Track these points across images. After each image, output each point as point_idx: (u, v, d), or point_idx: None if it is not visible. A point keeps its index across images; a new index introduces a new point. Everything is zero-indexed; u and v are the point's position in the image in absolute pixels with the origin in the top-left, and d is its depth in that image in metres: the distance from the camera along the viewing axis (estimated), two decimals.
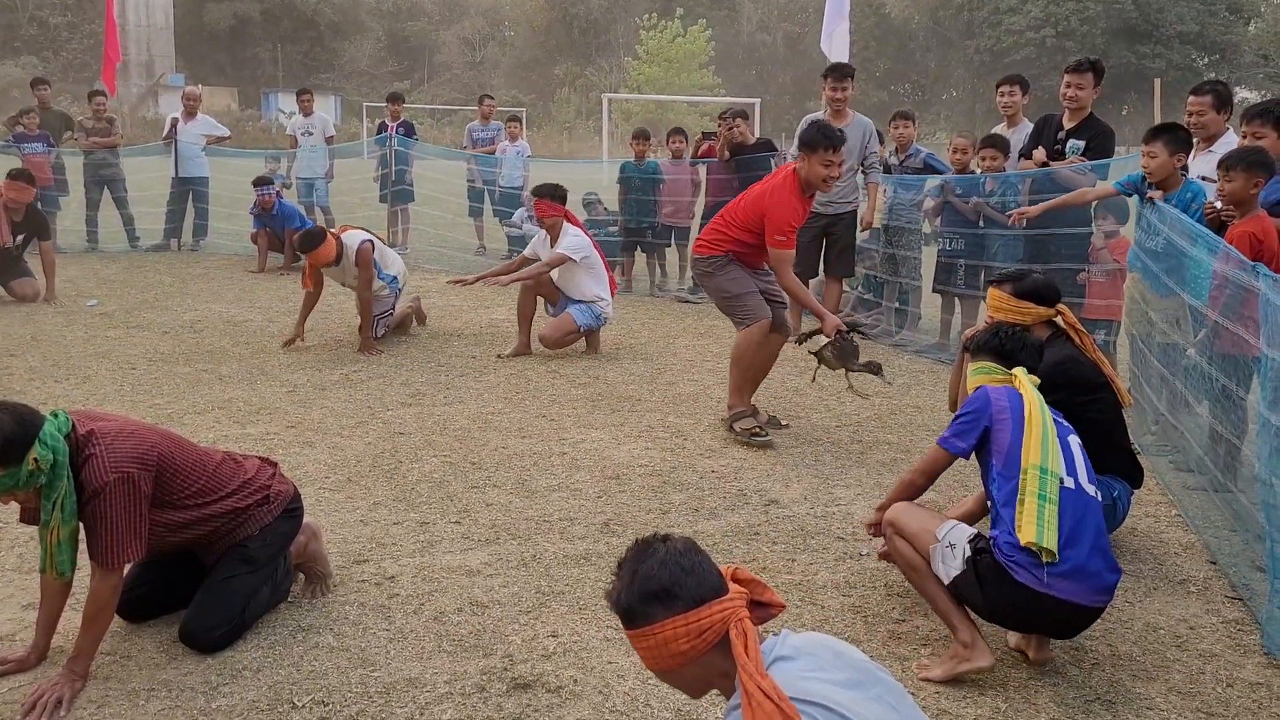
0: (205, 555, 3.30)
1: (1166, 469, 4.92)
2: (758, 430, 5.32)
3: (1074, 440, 3.19)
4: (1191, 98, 5.73)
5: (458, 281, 7.50)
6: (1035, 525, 2.90)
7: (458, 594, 3.56)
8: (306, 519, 3.60)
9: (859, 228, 7.88)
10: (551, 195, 7.15)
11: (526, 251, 7.41)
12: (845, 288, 8.90)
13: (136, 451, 2.93)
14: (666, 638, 1.94)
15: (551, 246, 7.16)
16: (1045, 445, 3.02)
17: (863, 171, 7.73)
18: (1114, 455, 3.89)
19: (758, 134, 10.73)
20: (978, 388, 3.30)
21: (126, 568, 3.07)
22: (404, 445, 5.15)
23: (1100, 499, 3.12)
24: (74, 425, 2.91)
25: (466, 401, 5.96)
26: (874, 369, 5.26)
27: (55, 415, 2.89)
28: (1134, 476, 3.94)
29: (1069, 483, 3.02)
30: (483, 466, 4.87)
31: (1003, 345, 3.36)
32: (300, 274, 7.45)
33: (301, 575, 3.58)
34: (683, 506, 4.41)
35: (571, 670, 3.08)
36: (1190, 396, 4.52)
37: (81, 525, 2.94)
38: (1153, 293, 4.93)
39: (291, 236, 10.56)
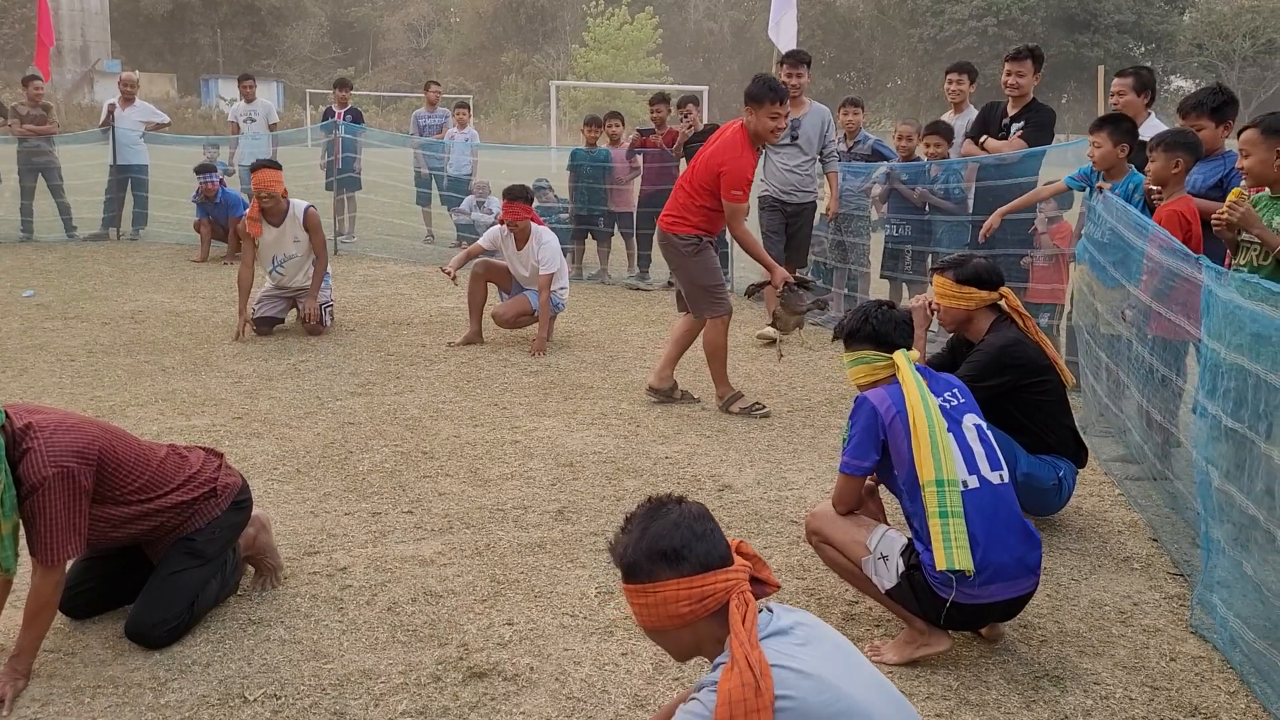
0: (151, 550, 3.23)
1: (1109, 450, 5.01)
2: (757, 404, 5.59)
3: (969, 422, 3.08)
4: (1115, 79, 5.93)
5: (449, 273, 7.01)
6: (944, 550, 2.86)
7: (411, 584, 3.53)
8: (255, 511, 3.54)
9: (825, 219, 7.83)
10: (524, 198, 6.99)
11: (483, 241, 7.19)
12: (832, 312, 8.98)
13: (77, 445, 2.85)
14: (667, 598, 1.95)
15: (518, 248, 6.99)
16: (936, 453, 2.92)
17: (822, 160, 7.51)
18: (1059, 435, 3.96)
19: (705, 121, 10.73)
20: (858, 399, 3.12)
21: (69, 564, 3.00)
22: (354, 435, 5.09)
23: (1006, 480, 3.04)
24: (9, 417, 2.82)
25: (417, 390, 5.91)
26: (820, 306, 5.68)
27: None
28: (1079, 456, 4.02)
29: (971, 482, 2.96)
30: (435, 456, 4.83)
31: (876, 329, 3.17)
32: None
33: (251, 568, 3.52)
34: (636, 493, 4.41)
35: (527, 658, 3.07)
36: (1132, 385, 4.60)
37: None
38: (1100, 284, 5.01)
39: (236, 225, 10.39)
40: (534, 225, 7.03)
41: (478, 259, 7.19)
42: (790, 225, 7.47)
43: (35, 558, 2.84)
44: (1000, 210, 6.00)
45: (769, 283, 5.63)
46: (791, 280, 5.56)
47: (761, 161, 7.07)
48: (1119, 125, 5.08)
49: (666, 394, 5.75)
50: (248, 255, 7.11)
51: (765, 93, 5.26)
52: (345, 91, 12.46)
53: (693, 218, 5.49)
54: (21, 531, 2.89)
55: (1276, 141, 3.88)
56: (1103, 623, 3.37)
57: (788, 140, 7.15)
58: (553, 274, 6.90)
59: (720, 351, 5.62)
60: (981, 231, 6.12)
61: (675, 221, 5.55)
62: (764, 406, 5.58)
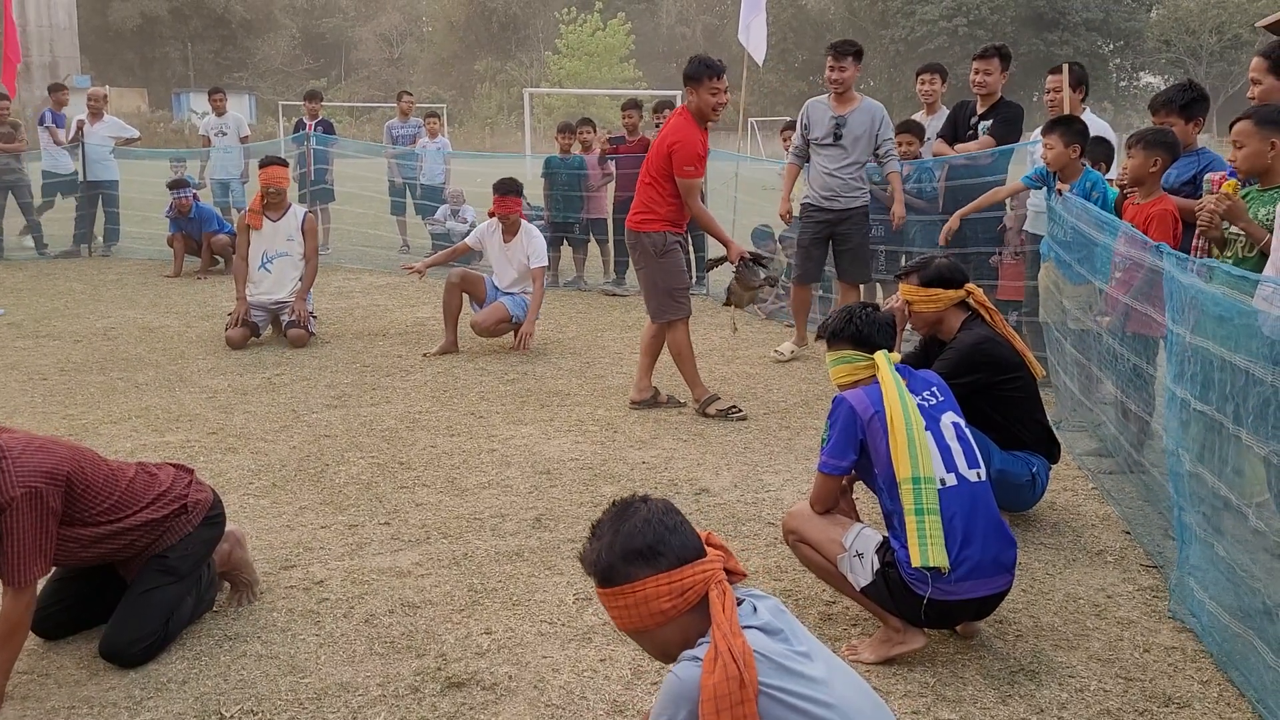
0: (124, 569, 3.21)
1: (1083, 445, 5.05)
2: (733, 407, 5.60)
3: (947, 421, 3.10)
4: (1050, 77, 6.03)
5: (410, 269, 7.32)
6: (920, 547, 2.89)
7: (388, 595, 3.52)
8: (230, 526, 3.53)
9: (893, 226, 6.91)
10: (515, 191, 7.14)
11: (470, 240, 7.39)
12: (783, 287, 8.98)
13: (45, 466, 2.83)
14: (648, 595, 1.96)
15: (506, 241, 7.17)
16: (913, 451, 2.94)
17: (879, 161, 6.79)
18: (1032, 431, 4.00)
19: None
20: (836, 399, 3.14)
21: (41, 583, 2.97)
22: (330, 448, 5.07)
23: (984, 479, 3.06)
24: None
25: (393, 401, 5.89)
26: (771, 282, 5.78)
27: None
28: (1051, 452, 4.05)
29: (949, 480, 2.98)
30: (411, 466, 4.82)
31: (859, 330, 3.21)
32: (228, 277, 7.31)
33: (226, 584, 3.50)
34: (614, 498, 4.40)
35: (506, 667, 3.07)
36: (1103, 379, 4.65)
37: None
38: (1066, 281, 5.06)
39: (210, 239, 10.35)
40: (524, 222, 7.23)
41: (454, 269, 7.22)
42: (836, 234, 6.79)
43: (2, 580, 2.81)
44: (959, 212, 6.04)
45: (725, 259, 5.72)
46: (747, 256, 5.66)
47: (804, 170, 7.01)
48: (1070, 126, 5.17)
49: (649, 404, 5.76)
50: (242, 247, 7.38)
51: (701, 70, 5.35)
52: (316, 103, 12.44)
53: (659, 210, 5.51)
54: None
55: (1271, 133, 3.90)
56: (1077, 616, 3.40)
57: (830, 140, 6.64)
58: (543, 267, 7.09)
59: (686, 351, 5.65)
60: (941, 234, 6.14)
61: (643, 219, 5.58)
62: (740, 410, 5.60)
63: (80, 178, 11.60)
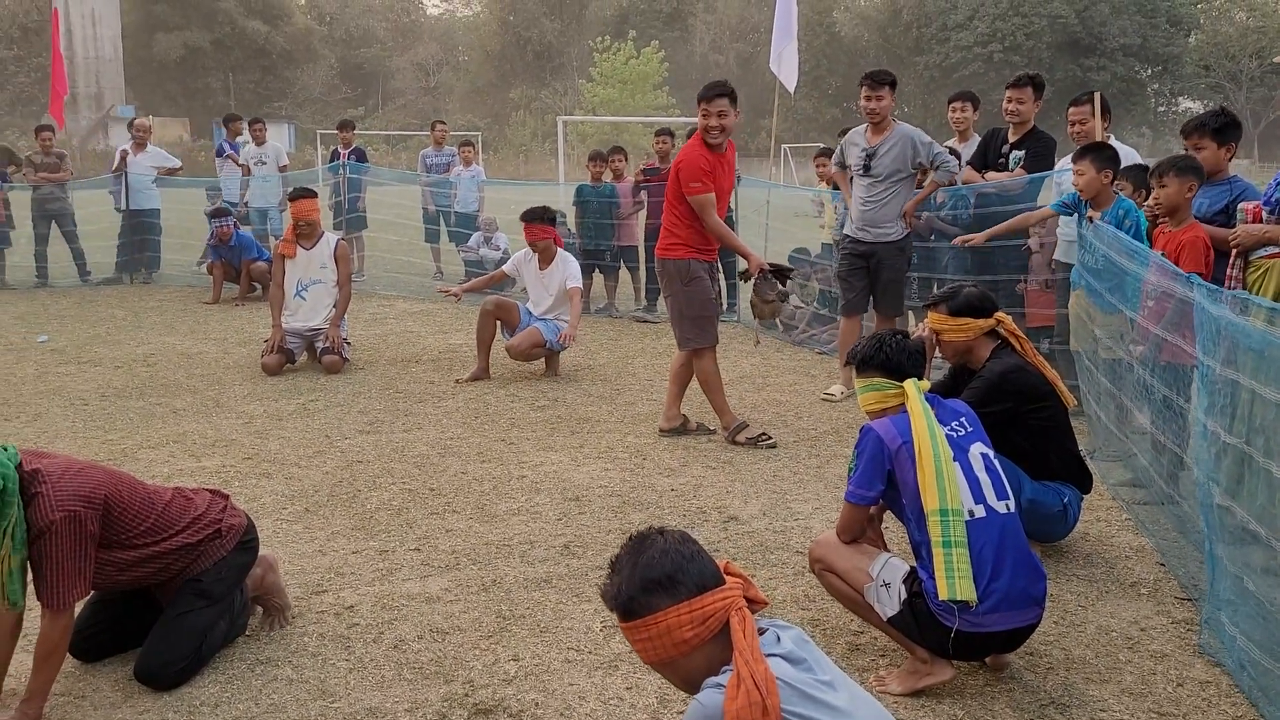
0: (159, 592, 3.26)
1: (1117, 475, 5.00)
2: (763, 434, 5.62)
3: (976, 452, 3.08)
4: (1071, 108, 6.02)
5: (446, 291, 7.50)
6: (947, 580, 2.87)
7: (418, 621, 3.55)
8: (263, 551, 3.58)
9: (906, 221, 6.64)
10: (542, 219, 7.26)
11: (506, 268, 7.53)
12: (800, 302, 9.01)
13: (83, 490, 2.88)
14: (670, 625, 1.97)
15: (541, 269, 7.29)
16: (940, 483, 2.92)
17: (932, 169, 6.56)
18: (1063, 461, 3.96)
19: None
20: (863, 429, 3.13)
21: (78, 606, 3.03)
22: (362, 473, 5.12)
23: (1013, 510, 3.05)
24: (21, 461, 2.87)
25: (425, 428, 5.95)
26: (783, 297, 5.82)
27: (4, 448, 2.85)
28: (1083, 482, 4.01)
29: (978, 512, 2.96)
30: (442, 492, 4.86)
31: (889, 358, 3.19)
32: (265, 304, 7.43)
33: (259, 608, 3.55)
34: (643, 526, 4.41)
35: (533, 694, 3.08)
36: (1135, 409, 4.61)
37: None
38: (1097, 309, 5.03)
39: (248, 266, 10.52)
40: (557, 247, 7.34)
41: (489, 296, 7.30)
42: (870, 266, 6.67)
43: (41, 602, 2.87)
44: (987, 231, 6.04)
45: (748, 270, 5.75)
46: (766, 268, 5.66)
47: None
48: (1101, 153, 5.14)
49: (679, 432, 5.78)
50: (278, 275, 7.55)
51: (700, 95, 5.51)
52: (349, 132, 12.65)
53: (681, 233, 5.56)
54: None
55: None
56: (1110, 649, 3.36)
57: (861, 170, 6.58)
58: (579, 287, 7.24)
59: (713, 380, 5.67)
60: (961, 239, 6.14)
61: (668, 246, 5.64)
62: (770, 437, 5.60)
63: (123, 206, 11.83)
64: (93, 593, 3.22)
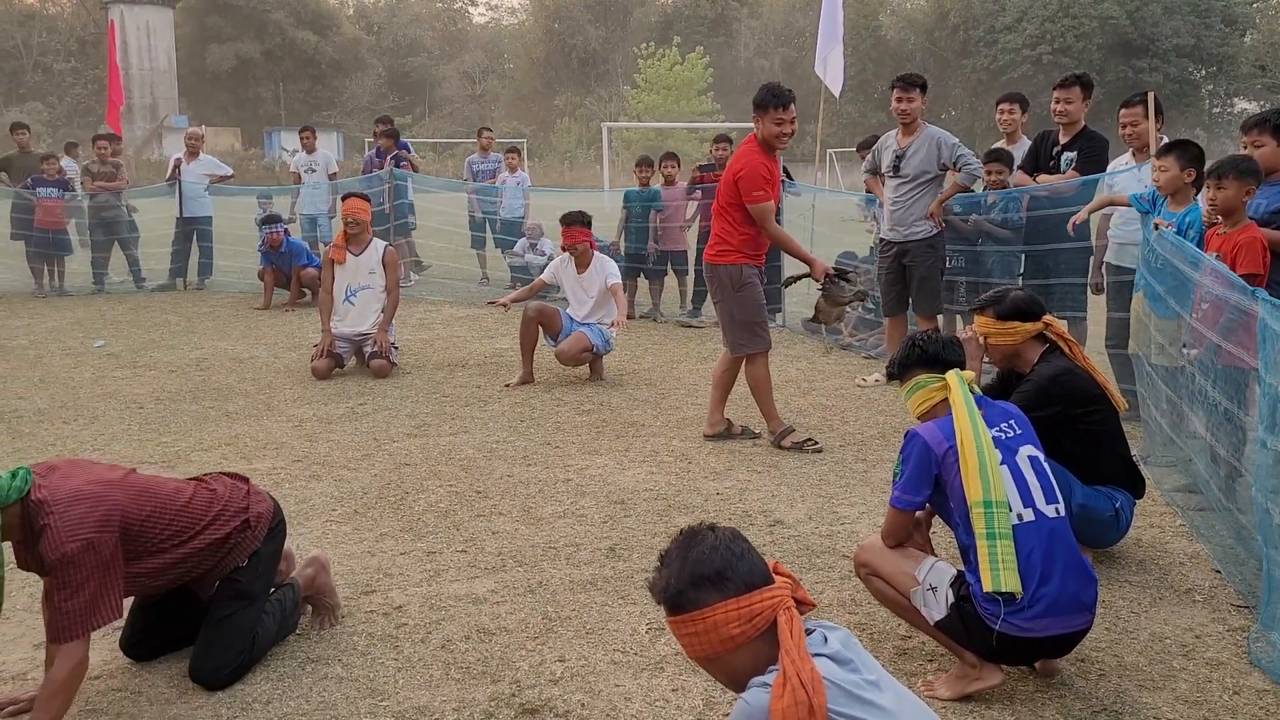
0: (199, 587, 3.27)
1: (1172, 481, 4.92)
2: (809, 439, 5.58)
3: (1024, 454, 3.05)
4: (1123, 110, 5.94)
5: (495, 304, 7.50)
6: (990, 571, 2.85)
7: (465, 622, 3.58)
8: (314, 552, 3.63)
9: (933, 220, 6.81)
10: (581, 222, 7.33)
11: (545, 275, 7.56)
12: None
13: (94, 516, 2.80)
14: (718, 621, 1.97)
15: (579, 273, 7.35)
16: (984, 475, 2.91)
17: (956, 171, 6.81)
18: (1114, 465, 3.90)
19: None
20: (909, 433, 3.11)
21: (125, 610, 3.03)
22: (410, 476, 5.17)
23: (1063, 514, 3.00)
24: (30, 491, 2.77)
25: (472, 431, 5.99)
26: (860, 296, 5.74)
27: (14, 475, 2.75)
28: (1136, 487, 3.95)
29: (1026, 515, 2.92)
30: (488, 495, 4.89)
31: (925, 351, 3.20)
32: (314, 310, 7.54)
33: (309, 607, 3.60)
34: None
35: (579, 695, 3.09)
36: (1191, 414, 4.52)
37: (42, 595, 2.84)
38: (1156, 315, 4.95)
39: (299, 273, 10.68)
40: (594, 251, 7.38)
41: (530, 304, 7.32)
42: (904, 265, 6.89)
43: (51, 638, 2.80)
44: (1088, 207, 5.99)
45: (807, 275, 5.71)
46: (831, 272, 5.63)
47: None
48: (1186, 150, 5.01)
49: (724, 436, 5.78)
50: (327, 281, 7.66)
51: (769, 99, 5.38)
52: (388, 138, 12.76)
53: (732, 240, 5.54)
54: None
55: None
56: (1163, 656, 3.30)
57: (892, 172, 6.88)
58: (620, 282, 7.29)
59: (764, 385, 5.64)
60: (1071, 223, 6.09)
61: (719, 252, 5.62)
62: (816, 442, 5.57)
63: (177, 213, 12.06)
64: (131, 598, 3.22)
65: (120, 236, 11.92)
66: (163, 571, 3.06)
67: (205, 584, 3.26)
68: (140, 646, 3.31)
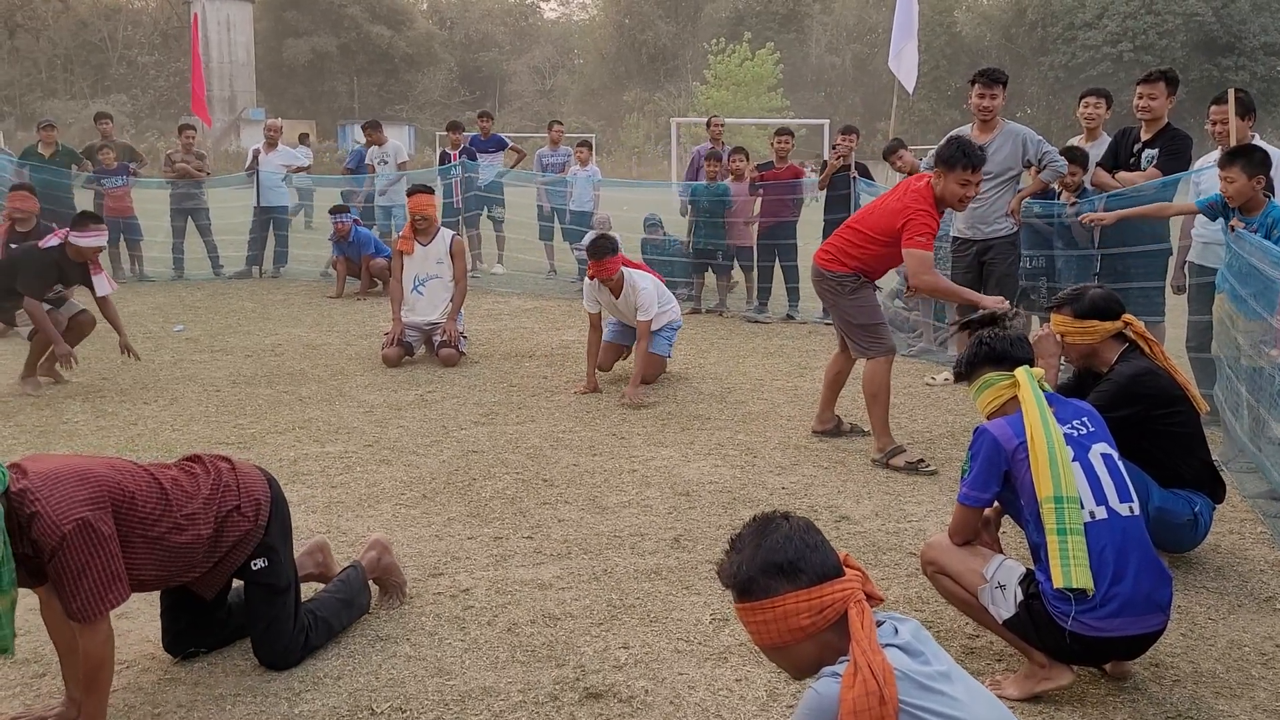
0: (200, 588, 3.15)
1: (1254, 486, 4.79)
2: (921, 460, 5.20)
3: (1098, 452, 3.00)
4: (1213, 106, 5.76)
5: (582, 391, 6.76)
6: (1061, 567, 2.80)
7: (531, 606, 3.61)
8: (376, 535, 3.69)
9: (1013, 219, 6.66)
10: (609, 251, 6.61)
11: (588, 307, 6.89)
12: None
13: (83, 493, 2.69)
14: (787, 611, 1.98)
15: (615, 297, 6.77)
16: (1055, 470, 2.86)
17: (1039, 170, 6.64)
18: (1193, 469, 3.80)
19: (824, 155, 10.78)
20: (978, 430, 3.08)
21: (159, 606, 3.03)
22: (478, 463, 5.24)
23: (1136, 513, 2.94)
24: (9, 485, 2.65)
25: (538, 420, 6.04)
26: (1017, 314, 5.33)
27: None
28: (1215, 491, 3.85)
29: (1099, 513, 2.87)
30: (554, 483, 4.93)
31: (993, 349, 3.17)
32: (384, 298, 7.63)
33: (377, 587, 3.66)
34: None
35: (643, 681, 3.11)
36: (1272, 420, 4.40)
37: (47, 585, 2.75)
38: (1240, 315, 4.81)
39: (368, 262, 10.86)
40: (627, 270, 6.76)
41: (601, 355, 7.02)
42: (983, 262, 6.67)
43: (72, 619, 2.71)
44: (1120, 213, 5.85)
45: (976, 320, 5.22)
46: (1007, 308, 5.22)
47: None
48: (1251, 157, 4.87)
49: (832, 434, 5.71)
50: (396, 271, 7.79)
51: (958, 157, 5.00)
52: (457, 134, 12.98)
53: (853, 254, 5.32)
54: (27, 604, 2.86)
55: None
56: (1242, 664, 3.22)
57: None
58: (649, 320, 6.68)
59: (882, 394, 5.31)
60: (1087, 216, 5.97)
61: (832, 259, 5.41)
62: (929, 463, 5.20)
63: (255, 203, 12.32)
64: (162, 598, 3.21)
65: (199, 223, 12.21)
66: (164, 561, 2.92)
67: (209, 586, 3.14)
68: (179, 642, 3.25)
